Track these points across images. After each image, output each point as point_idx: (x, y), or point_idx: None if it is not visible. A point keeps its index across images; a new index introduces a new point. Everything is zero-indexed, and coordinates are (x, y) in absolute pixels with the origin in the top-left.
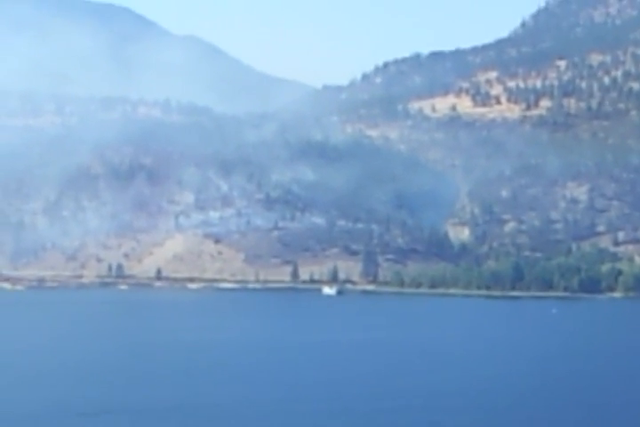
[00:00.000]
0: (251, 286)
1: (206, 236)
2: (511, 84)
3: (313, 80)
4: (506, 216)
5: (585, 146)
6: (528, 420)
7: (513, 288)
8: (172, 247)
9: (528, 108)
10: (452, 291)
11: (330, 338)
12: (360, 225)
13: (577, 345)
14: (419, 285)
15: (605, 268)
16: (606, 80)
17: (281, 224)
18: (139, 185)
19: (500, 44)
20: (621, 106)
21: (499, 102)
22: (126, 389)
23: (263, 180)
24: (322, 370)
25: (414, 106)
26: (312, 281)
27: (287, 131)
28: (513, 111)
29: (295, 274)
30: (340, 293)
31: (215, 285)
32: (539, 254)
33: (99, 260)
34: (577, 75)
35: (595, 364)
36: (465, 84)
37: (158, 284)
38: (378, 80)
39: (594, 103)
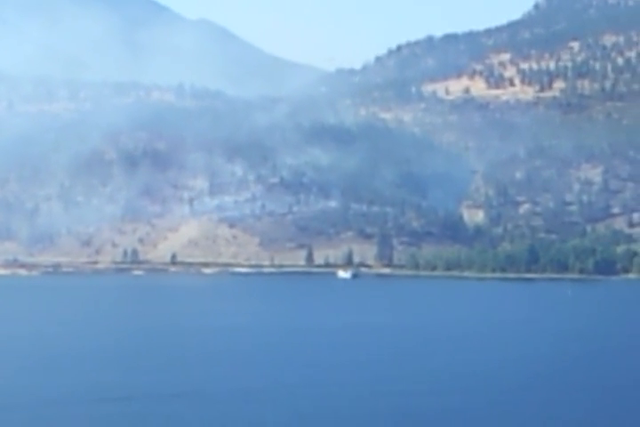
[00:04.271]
0: (266, 270)
1: (221, 220)
2: (524, 65)
3: (326, 63)
4: (520, 198)
5: (599, 127)
6: (544, 401)
7: (528, 270)
8: (187, 232)
9: (542, 89)
10: (467, 273)
11: (346, 321)
12: (374, 208)
13: (593, 327)
14: (434, 267)
15: (620, 249)
16: (620, 61)
17: (295, 208)
18: (152, 170)
19: (513, 26)
20: (635, 87)
21: (512, 84)
22: (143, 374)
23: (277, 164)
24: (338, 353)
25: (428, 88)
26: (327, 265)
27: (300, 114)
28: (526, 93)
29: (310, 258)
30: (354, 276)
31: (230, 269)
32: (553, 236)
33: (114, 245)
34: (590, 56)
35: (611, 345)
36: (478, 67)
37: (173, 269)
38: (391, 63)
39: (608, 84)
